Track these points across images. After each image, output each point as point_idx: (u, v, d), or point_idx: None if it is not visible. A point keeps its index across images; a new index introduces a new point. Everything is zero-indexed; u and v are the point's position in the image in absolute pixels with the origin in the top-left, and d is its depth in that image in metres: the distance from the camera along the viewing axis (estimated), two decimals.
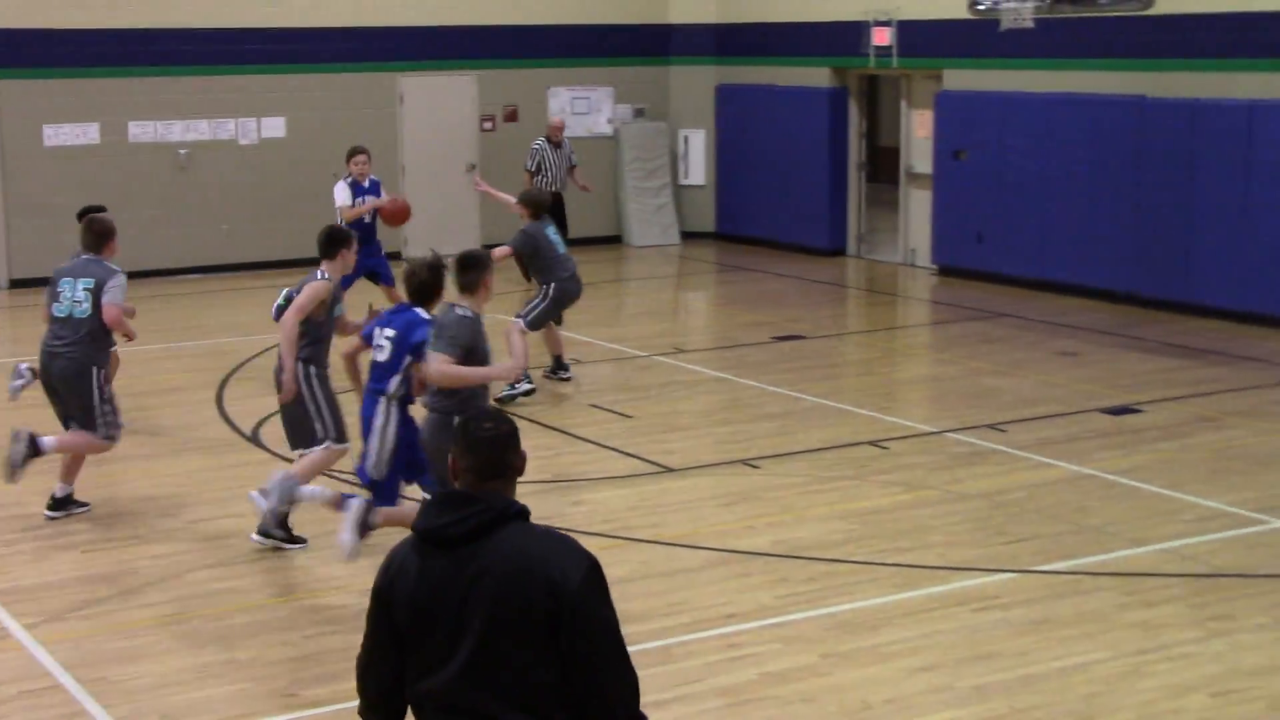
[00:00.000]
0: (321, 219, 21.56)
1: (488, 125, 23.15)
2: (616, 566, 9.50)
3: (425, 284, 9.12)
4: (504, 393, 13.50)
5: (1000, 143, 19.40)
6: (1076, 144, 18.36)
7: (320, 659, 8.22)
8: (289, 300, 10.06)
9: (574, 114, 23.59)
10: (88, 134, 20.76)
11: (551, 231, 13.93)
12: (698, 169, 24.15)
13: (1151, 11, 16.33)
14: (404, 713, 4.46)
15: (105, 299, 10.29)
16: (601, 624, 4.25)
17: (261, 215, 21.65)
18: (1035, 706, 7.54)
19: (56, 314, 10.41)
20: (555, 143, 19.79)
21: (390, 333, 9.10)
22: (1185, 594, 9.03)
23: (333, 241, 10.12)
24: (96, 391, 10.39)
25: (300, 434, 10.06)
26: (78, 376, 10.32)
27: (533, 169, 19.63)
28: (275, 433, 12.81)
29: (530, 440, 12.10)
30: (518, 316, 13.59)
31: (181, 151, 21.24)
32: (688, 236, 23.93)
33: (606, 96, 23.93)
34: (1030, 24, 16.67)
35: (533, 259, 14.07)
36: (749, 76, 23.51)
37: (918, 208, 21.32)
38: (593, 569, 4.28)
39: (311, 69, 21.88)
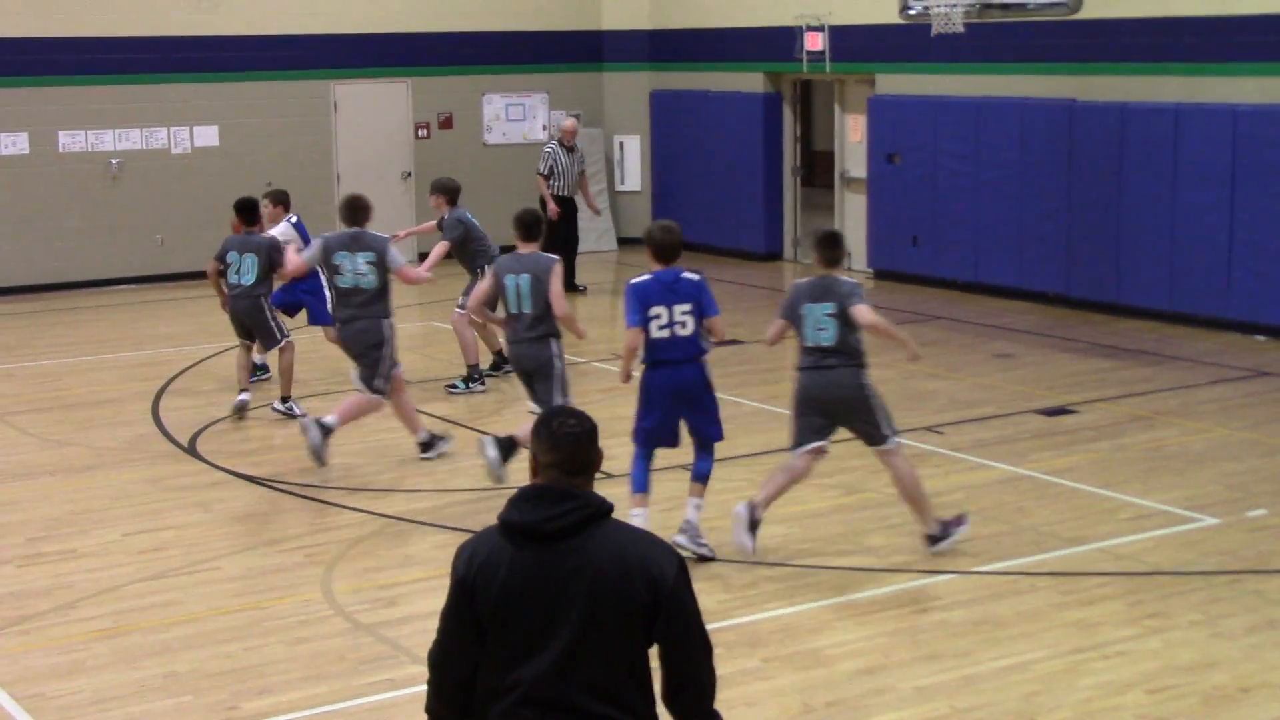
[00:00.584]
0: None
1: (422, 133, 23.10)
2: None
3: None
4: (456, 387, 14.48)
5: (934, 146, 19.50)
6: (1008, 147, 18.48)
7: (261, 671, 8.17)
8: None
9: (508, 120, 23.58)
10: (17, 143, 20.57)
11: (471, 215, 14.34)
12: (633, 175, 24.16)
13: (1079, 16, 16.42)
14: (471, 706, 4.50)
15: (396, 265, 11.88)
16: (693, 616, 4.42)
17: (195, 225, 21.45)
18: (977, 706, 7.57)
19: (341, 285, 11.77)
20: (568, 147, 19.70)
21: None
22: (1121, 592, 9.09)
23: (536, 222, 10.85)
24: (387, 349, 11.78)
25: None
26: (372, 338, 11.76)
27: (545, 172, 19.61)
28: (210, 445, 12.75)
29: (470, 446, 12.06)
30: (459, 308, 14.13)
31: (114, 161, 21.07)
32: (624, 242, 23.92)
33: (541, 103, 23.90)
34: (961, 29, 16.73)
35: (464, 245, 14.23)
36: (683, 82, 23.54)
37: (853, 212, 21.40)
38: (682, 565, 4.44)
39: (245, 77, 21.75)
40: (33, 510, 11.19)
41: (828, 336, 9.64)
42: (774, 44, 21.74)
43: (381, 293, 11.81)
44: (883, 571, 9.51)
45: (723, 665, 7.92)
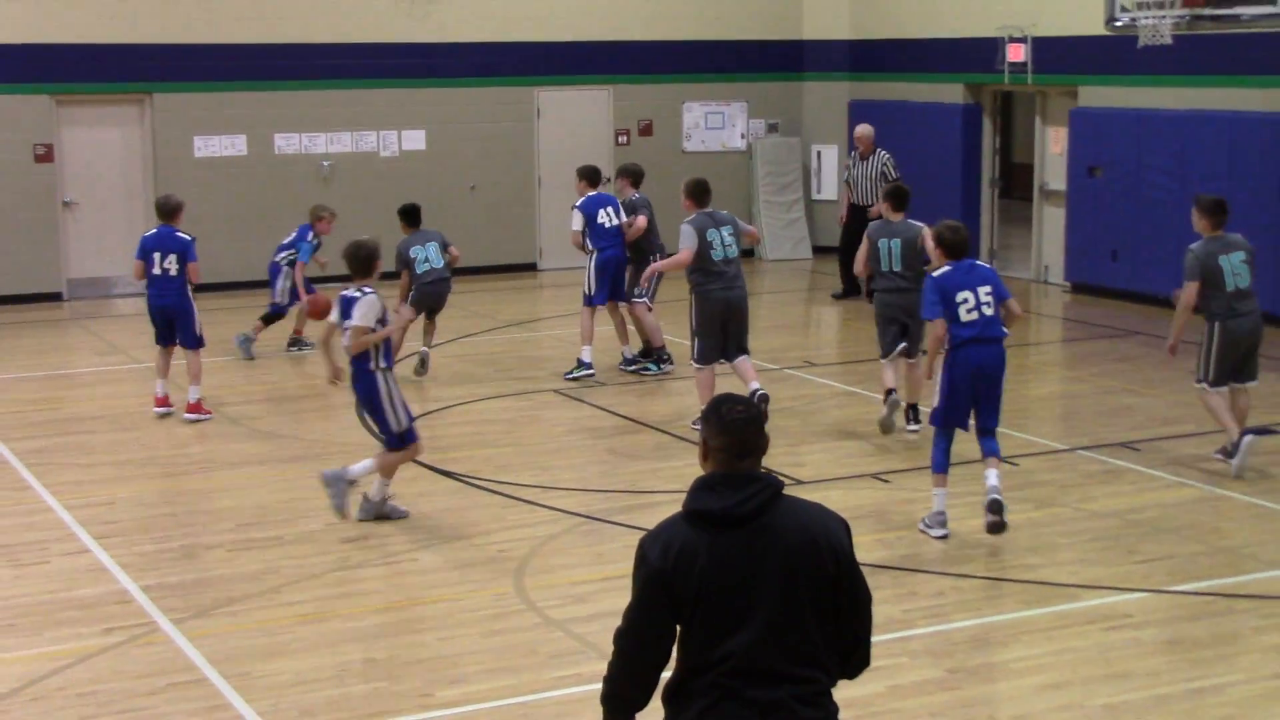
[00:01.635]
0: (457, 228, 21.86)
1: (623, 139, 23.25)
2: None
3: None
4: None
5: (1136, 160, 19.14)
6: (1214, 162, 18.05)
7: (454, 661, 8.29)
8: None
9: (707, 129, 23.65)
10: (236, 145, 21.13)
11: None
12: (830, 184, 24.04)
13: None
14: (655, 688, 4.72)
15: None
16: (862, 578, 4.71)
17: (399, 224, 21.85)
18: None
19: (714, 257, 12.65)
20: (862, 155, 19.66)
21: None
22: None
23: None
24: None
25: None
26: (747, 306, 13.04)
27: (846, 180, 19.91)
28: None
29: (658, 448, 12.13)
30: (637, 298, 15.23)
31: (324, 163, 21.55)
32: (819, 250, 23.84)
33: (740, 111, 23.93)
34: (1169, 40, 16.40)
35: (649, 231, 15.36)
36: (882, 93, 23.39)
37: (1051, 224, 21.09)
38: (849, 531, 4.70)
39: (451, 83, 22.10)
40: (243, 498, 11.48)
41: (1244, 280, 11.61)
42: (975, 55, 21.51)
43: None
44: (1073, 587, 9.37)
45: (908, 675, 7.95)
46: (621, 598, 9.42)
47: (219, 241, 21.00)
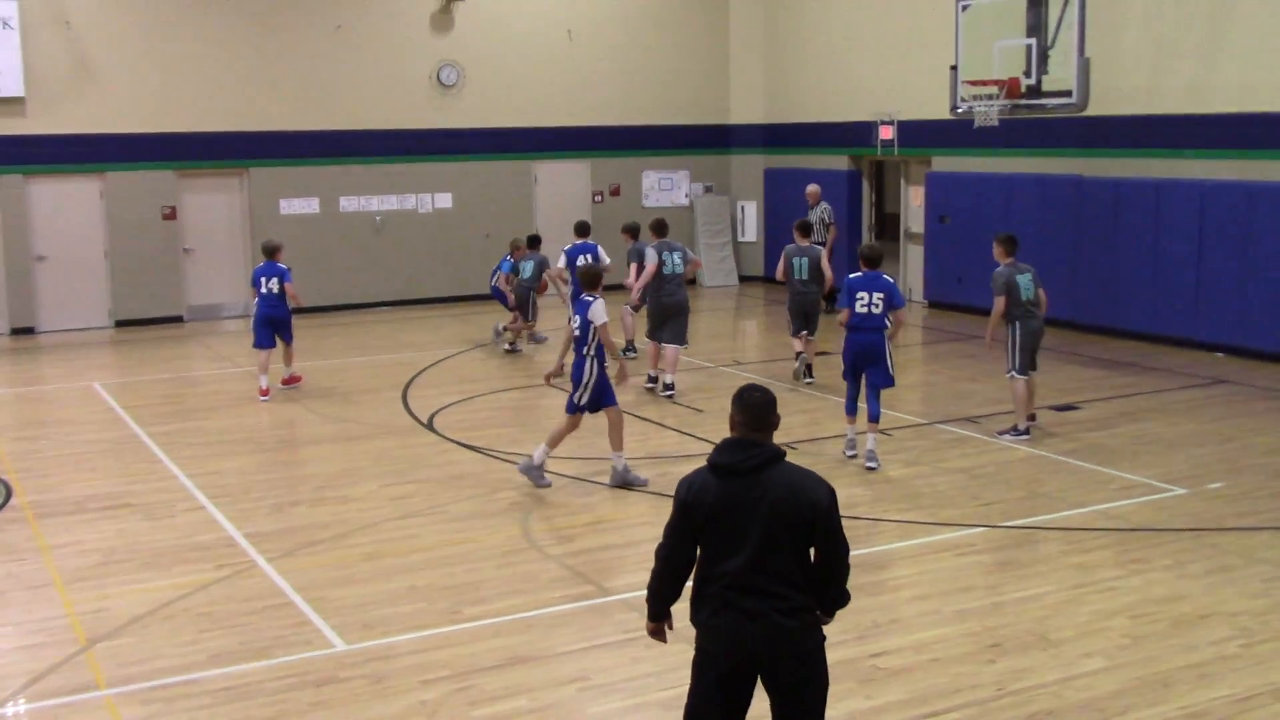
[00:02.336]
0: (476, 269, 21.76)
1: (598, 198, 23.22)
2: None
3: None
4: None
5: (973, 210, 19.21)
6: (1030, 210, 18.15)
7: (477, 586, 8.26)
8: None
9: (661, 190, 23.62)
10: (311, 206, 21.03)
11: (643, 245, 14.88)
12: (751, 229, 24.07)
13: (1085, 114, 16.10)
14: (683, 587, 4.89)
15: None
16: (839, 529, 4.75)
17: (434, 263, 21.86)
18: (1002, 625, 7.46)
19: (665, 272, 13.61)
20: (811, 206, 19.34)
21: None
22: (1111, 544, 8.90)
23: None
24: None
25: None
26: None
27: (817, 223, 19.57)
28: (443, 421, 12.95)
29: (627, 427, 12.14)
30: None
31: (377, 218, 21.46)
32: (744, 279, 23.88)
33: (685, 177, 23.93)
34: (996, 123, 16.48)
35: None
36: (789, 162, 23.41)
37: (914, 258, 21.15)
38: (833, 493, 4.74)
39: (471, 158, 22.04)
40: (318, 467, 11.43)
41: (1031, 294, 11.71)
42: (856, 134, 21.55)
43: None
44: (933, 525, 9.40)
45: None
46: (601, 539, 9.44)
47: (298, 275, 20.89)
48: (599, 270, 10.56)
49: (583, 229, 15.55)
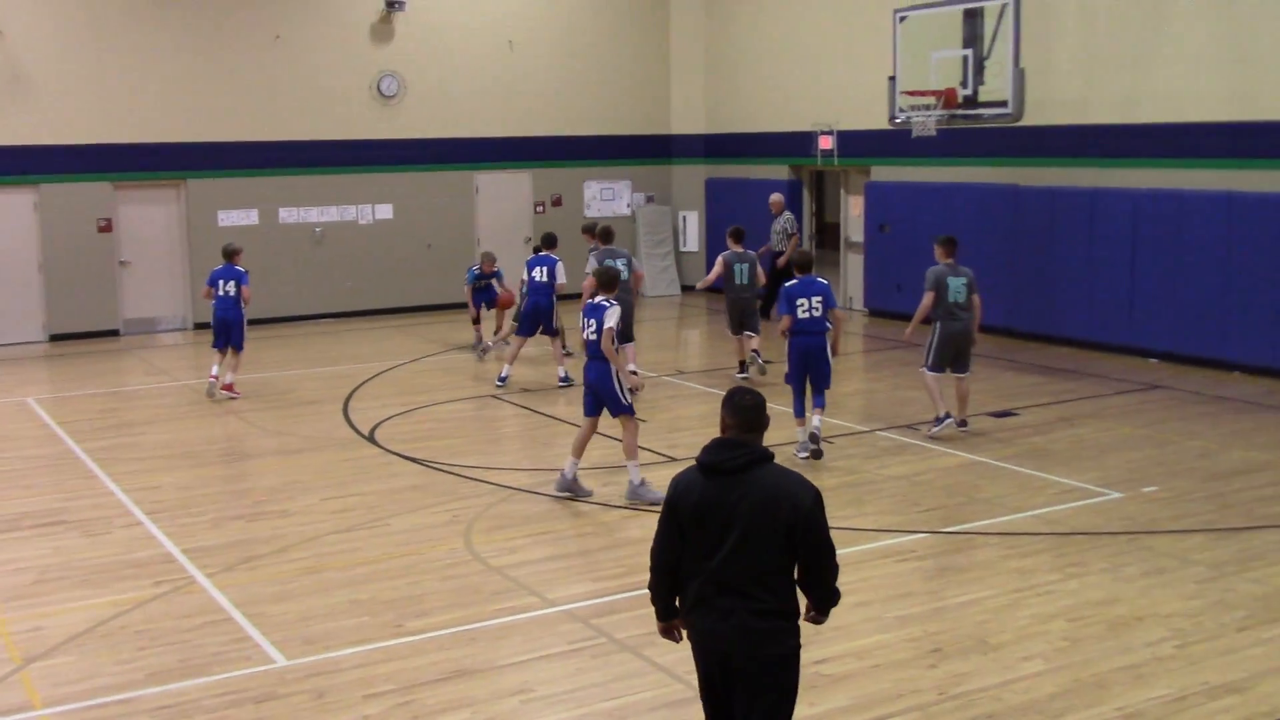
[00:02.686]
0: (420, 279, 21.66)
1: (539, 209, 23.19)
2: (635, 530, 9.50)
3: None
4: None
5: (912, 219, 19.39)
6: (968, 218, 18.35)
7: (419, 599, 8.21)
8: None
9: (602, 200, 23.63)
10: (250, 217, 20.83)
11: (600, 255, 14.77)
12: (693, 239, 24.15)
13: (1020, 124, 16.31)
14: (677, 583, 4.89)
15: None
16: (823, 531, 4.74)
17: (375, 275, 21.71)
18: (942, 630, 7.52)
19: None
20: (775, 215, 19.63)
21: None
22: (1050, 547, 9.00)
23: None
24: None
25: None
26: None
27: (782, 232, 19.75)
28: (384, 434, 12.86)
29: (571, 437, 12.14)
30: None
31: (317, 230, 21.29)
32: (685, 289, 23.94)
33: (626, 187, 23.96)
34: (933, 133, 16.64)
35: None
36: (730, 172, 23.53)
37: (854, 266, 21.31)
38: (817, 496, 4.74)
39: (412, 168, 21.94)
40: (258, 481, 11.32)
41: (961, 297, 11.97)
42: (796, 144, 21.70)
43: None
44: (874, 531, 9.46)
45: None
46: (542, 549, 9.41)
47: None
48: (616, 273, 10.41)
49: (546, 240, 15.34)
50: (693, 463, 4.86)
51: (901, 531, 9.43)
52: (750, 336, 15.11)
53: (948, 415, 12.08)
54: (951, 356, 12.19)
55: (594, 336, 10.01)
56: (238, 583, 8.59)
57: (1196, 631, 7.46)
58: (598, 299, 10.15)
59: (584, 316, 10.15)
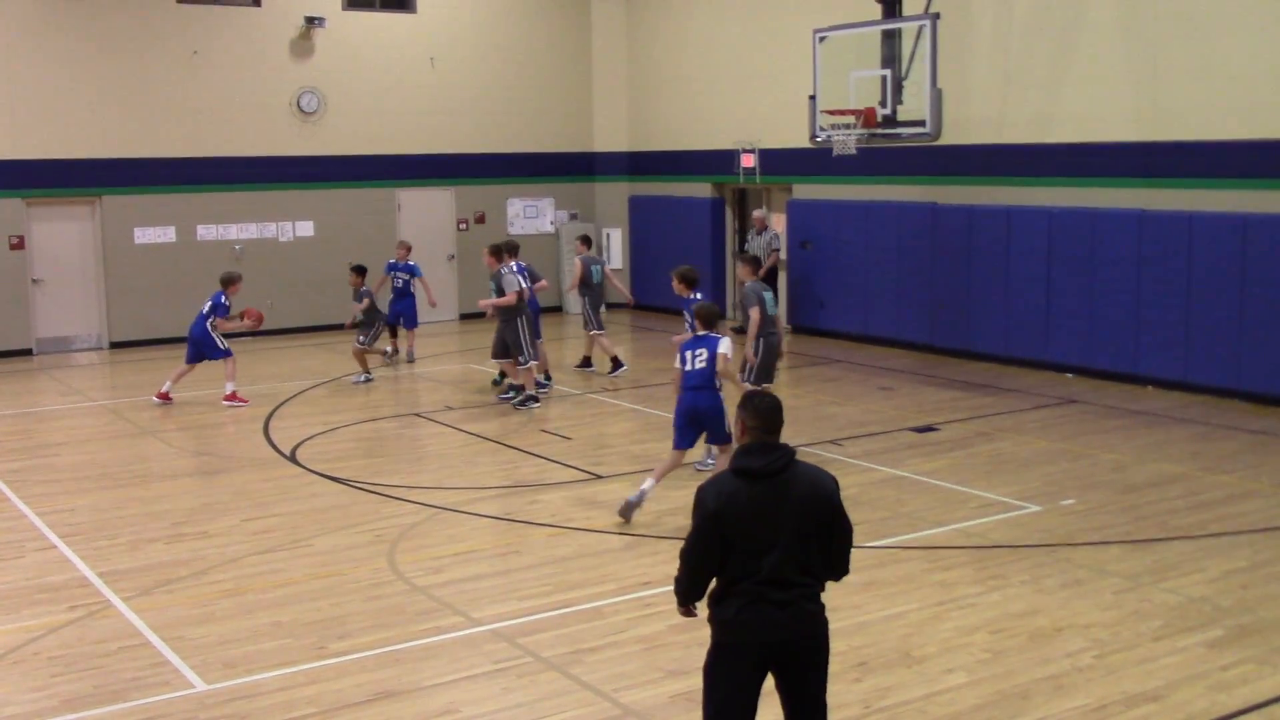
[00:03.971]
0: (341, 298, 21.45)
1: (463, 226, 23.09)
2: (561, 549, 9.46)
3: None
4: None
5: (834, 236, 19.58)
6: (888, 236, 18.57)
7: (343, 621, 8.10)
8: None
9: (526, 217, 23.59)
10: (167, 235, 20.52)
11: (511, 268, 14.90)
12: (617, 256, 24.17)
13: (939, 143, 16.54)
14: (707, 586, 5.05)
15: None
16: (847, 519, 5.09)
17: (296, 293, 21.47)
18: (867, 644, 7.56)
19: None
20: (757, 231, 19.79)
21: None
22: (971, 560, 9.10)
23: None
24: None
25: None
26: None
27: (745, 247, 19.75)
28: (305, 453, 12.70)
29: (496, 455, 12.05)
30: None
31: (237, 247, 21.02)
32: (610, 306, 23.85)
33: (549, 204, 23.95)
34: (854, 152, 16.82)
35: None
36: (652, 190, 23.61)
37: (777, 283, 21.43)
38: (836, 483, 5.06)
39: (333, 185, 21.75)
40: (176, 502, 11.11)
41: (774, 310, 12.16)
42: (719, 162, 21.83)
43: None
44: None
45: (682, 617, 7.95)
46: (469, 569, 9.34)
47: (153, 307, 20.38)
48: (718, 311, 10.55)
49: (496, 251, 15.13)
50: (694, 470, 5.06)
51: None
52: (599, 334, 16.66)
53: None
54: (770, 369, 12.34)
55: (702, 365, 10.10)
56: (156, 606, 8.42)
57: (1114, 641, 7.58)
58: (701, 333, 10.28)
59: (684, 350, 10.21)
